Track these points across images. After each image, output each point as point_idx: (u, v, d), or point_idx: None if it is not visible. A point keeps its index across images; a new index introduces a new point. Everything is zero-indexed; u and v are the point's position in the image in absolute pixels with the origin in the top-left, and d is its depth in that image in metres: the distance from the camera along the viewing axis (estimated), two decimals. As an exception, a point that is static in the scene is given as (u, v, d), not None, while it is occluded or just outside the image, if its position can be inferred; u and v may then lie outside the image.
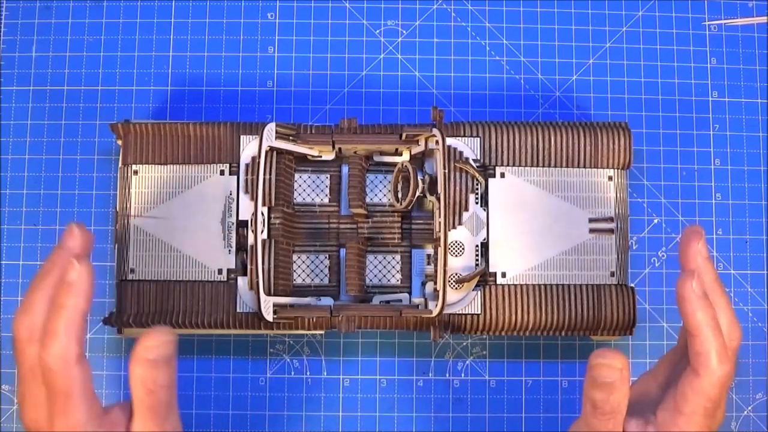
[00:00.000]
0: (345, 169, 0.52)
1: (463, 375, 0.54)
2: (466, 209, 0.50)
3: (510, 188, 0.50)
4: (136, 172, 0.51)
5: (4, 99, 0.56)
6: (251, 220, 0.49)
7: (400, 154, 0.52)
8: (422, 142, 0.50)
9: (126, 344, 0.54)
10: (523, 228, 0.50)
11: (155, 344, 0.38)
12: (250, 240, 0.49)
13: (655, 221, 0.56)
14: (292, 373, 0.54)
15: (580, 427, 0.41)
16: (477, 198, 0.50)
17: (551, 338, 0.54)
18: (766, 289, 0.55)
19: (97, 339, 0.54)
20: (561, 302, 0.50)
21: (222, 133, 0.51)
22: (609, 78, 0.57)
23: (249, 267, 0.48)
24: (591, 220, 0.51)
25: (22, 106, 0.56)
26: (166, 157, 0.51)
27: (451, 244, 0.49)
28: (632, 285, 0.53)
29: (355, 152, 0.51)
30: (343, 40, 0.57)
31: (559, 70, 0.57)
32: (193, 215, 0.50)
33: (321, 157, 0.52)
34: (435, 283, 0.49)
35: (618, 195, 0.51)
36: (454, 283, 0.49)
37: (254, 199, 0.48)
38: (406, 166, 0.50)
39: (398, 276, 0.51)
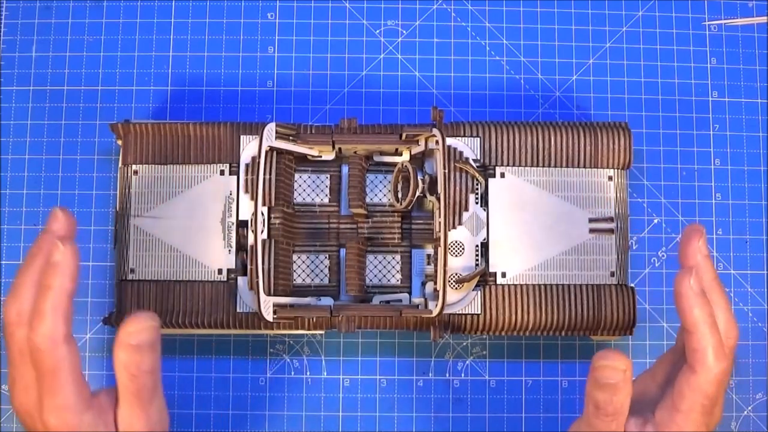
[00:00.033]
0: (345, 169, 0.52)
1: (463, 375, 0.54)
2: (466, 209, 0.50)
3: (510, 188, 0.50)
4: (136, 172, 0.51)
5: (4, 99, 0.56)
6: (251, 220, 0.49)
7: (400, 154, 0.52)
8: (422, 142, 0.50)
9: (126, 344, 0.54)
10: (523, 228, 0.50)
11: (137, 329, 0.38)
12: (250, 240, 0.49)
13: (655, 221, 0.56)
14: (292, 373, 0.54)
15: (580, 427, 0.42)
16: (477, 198, 0.50)
17: (551, 338, 0.54)
18: (766, 289, 0.55)
19: (97, 339, 0.54)
20: (561, 302, 0.50)
21: (222, 133, 0.51)
22: (609, 78, 0.57)
23: (249, 267, 0.48)
24: (591, 220, 0.51)
25: (22, 106, 0.56)
26: (166, 157, 0.51)
27: (451, 244, 0.49)
28: (632, 285, 0.53)
29: (355, 152, 0.51)
30: (343, 40, 0.57)
31: (559, 70, 0.57)
32: (193, 215, 0.50)
33: (321, 157, 0.52)
34: (435, 283, 0.49)
35: (618, 195, 0.51)
36: (454, 283, 0.49)
37: (254, 199, 0.48)
38: (406, 166, 0.50)
39: (398, 276, 0.51)
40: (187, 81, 0.56)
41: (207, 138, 0.51)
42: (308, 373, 0.54)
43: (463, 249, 0.50)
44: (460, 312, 0.49)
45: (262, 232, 0.48)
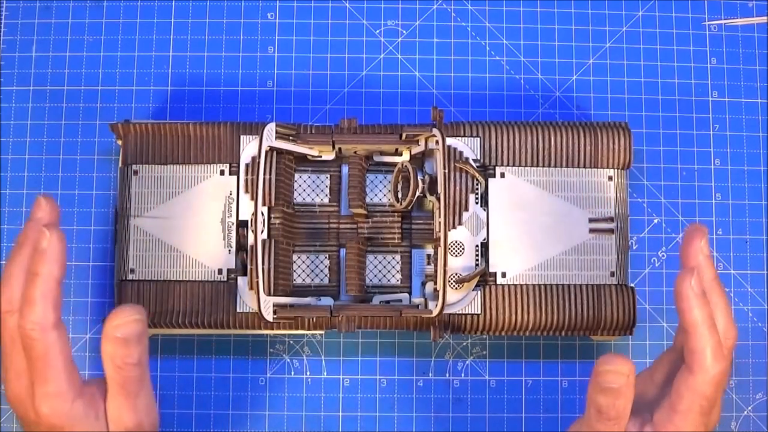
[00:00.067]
0: (345, 169, 0.52)
1: (463, 375, 0.54)
2: (466, 209, 0.50)
3: (510, 188, 0.50)
4: (136, 172, 0.51)
5: (4, 99, 0.56)
6: (251, 220, 0.49)
7: (400, 154, 0.52)
8: (422, 142, 0.50)
9: (126, 344, 0.54)
10: (523, 228, 0.50)
11: (122, 322, 0.39)
12: (250, 240, 0.49)
13: (655, 221, 0.56)
14: (292, 373, 0.54)
15: (581, 427, 0.41)
16: (477, 198, 0.50)
17: (551, 338, 0.54)
18: (766, 289, 0.55)
19: (97, 339, 0.54)
20: (561, 302, 0.50)
21: (222, 133, 0.51)
22: (609, 78, 0.57)
23: (249, 267, 0.48)
24: (591, 220, 0.51)
25: (22, 106, 0.56)
26: (166, 157, 0.51)
27: (451, 244, 0.49)
28: (632, 285, 0.53)
29: (355, 152, 0.51)
30: (343, 40, 0.57)
31: (559, 70, 0.57)
32: (193, 215, 0.50)
33: (321, 157, 0.52)
34: (435, 283, 0.49)
35: (618, 195, 0.51)
36: (454, 283, 0.49)
37: (254, 199, 0.48)
38: (406, 166, 0.50)
39: (398, 276, 0.51)
40: (187, 81, 0.56)
41: (207, 138, 0.51)
42: (308, 373, 0.54)
43: (463, 249, 0.50)
44: (460, 312, 0.49)
45: (262, 232, 0.48)
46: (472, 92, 0.57)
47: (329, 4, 0.57)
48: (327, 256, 0.51)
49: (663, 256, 0.55)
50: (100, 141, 0.55)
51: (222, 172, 0.50)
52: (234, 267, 0.50)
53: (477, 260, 0.50)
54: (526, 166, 0.51)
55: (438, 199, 0.48)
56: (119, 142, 0.52)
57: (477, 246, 0.50)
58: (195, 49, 0.57)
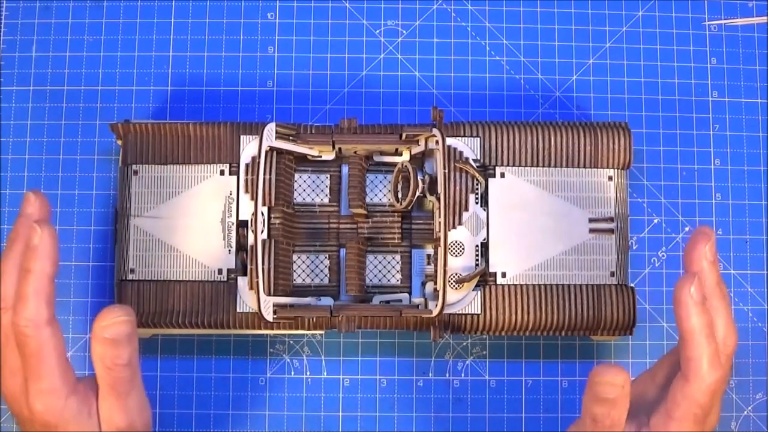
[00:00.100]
0: (345, 169, 0.52)
1: (463, 375, 0.54)
2: (466, 209, 0.50)
3: (510, 188, 0.50)
4: (136, 172, 0.51)
5: (4, 99, 0.56)
6: (251, 220, 0.49)
7: (400, 154, 0.52)
8: (422, 142, 0.50)
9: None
10: (523, 228, 0.50)
11: (110, 323, 0.38)
12: (250, 240, 0.49)
13: (655, 221, 0.56)
14: (292, 373, 0.54)
15: (579, 428, 0.41)
16: (477, 198, 0.50)
17: (551, 338, 0.54)
18: (766, 289, 0.55)
19: (97, 339, 0.54)
20: (561, 302, 0.50)
21: (222, 133, 0.51)
22: (609, 78, 0.57)
23: (249, 267, 0.48)
24: (591, 220, 0.51)
25: (22, 106, 0.56)
26: (166, 157, 0.51)
27: (451, 244, 0.49)
28: (632, 285, 0.53)
29: (355, 152, 0.51)
30: (343, 40, 0.57)
31: (559, 70, 0.57)
32: (193, 215, 0.50)
33: (321, 157, 0.52)
34: (435, 283, 0.49)
35: (618, 195, 0.51)
36: (454, 283, 0.49)
37: (254, 199, 0.48)
38: (406, 166, 0.50)
39: (398, 276, 0.51)
40: (187, 81, 0.56)
41: (207, 138, 0.51)
42: (308, 373, 0.54)
43: (463, 249, 0.50)
44: (460, 312, 0.49)
45: (262, 232, 0.48)
46: (472, 92, 0.57)
47: (329, 4, 0.57)
48: (327, 256, 0.51)
49: (663, 256, 0.55)
50: (100, 141, 0.55)
51: (222, 172, 0.50)
52: (234, 267, 0.50)
53: (477, 260, 0.50)
54: (526, 166, 0.51)
55: (438, 199, 0.48)
56: (119, 142, 0.52)
57: (477, 246, 0.50)
58: (195, 49, 0.57)
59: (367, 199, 0.51)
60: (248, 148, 0.50)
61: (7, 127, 0.55)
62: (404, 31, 0.57)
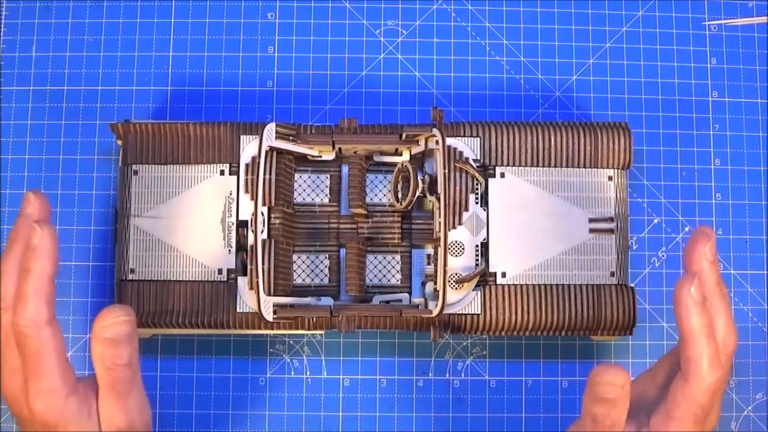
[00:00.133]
0: (345, 169, 0.52)
1: (463, 375, 0.54)
2: (466, 209, 0.50)
3: (510, 188, 0.50)
4: (136, 172, 0.51)
5: (4, 99, 0.56)
6: (251, 220, 0.49)
7: (400, 154, 0.52)
8: (422, 142, 0.50)
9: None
10: (523, 228, 0.50)
11: (110, 323, 0.38)
12: (250, 240, 0.49)
13: (655, 221, 0.56)
14: (292, 373, 0.54)
15: (579, 428, 0.41)
16: (477, 198, 0.50)
17: (551, 338, 0.54)
18: (766, 289, 0.55)
19: (97, 339, 0.54)
20: (561, 302, 0.50)
21: (222, 133, 0.51)
22: (609, 78, 0.57)
23: (249, 267, 0.48)
24: (591, 220, 0.51)
25: (22, 106, 0.56)
26: (166, 157, 0.51)
27: (451, 244, 0.49)
28: (632, 285, 0.53)
29: (355, 152, 0.51)
30: (343, 40, 0.57)
31: (559, 70, 0.57)
32: (193, 215, 0.50)
33: (321, 157, 0.52)
34: (435, 283, 0.49)
35: (618, 195, 0.51)
36: (454, 283, 0.49)
37: (254, 199, 0.48)
38: (406, 166, 0.50)
39: (398, 276, 0.51)
40: (187, 81, 0.56)
41: (207, 138, 0.51)
42: (308, 373, 0.54)
43: (463, 249, 0.50)
44: (460, 312, 0.49)
45: (262, 232, 0.48)
46: (472, 92, 0.57)
47: (329, 4, 0.57)
48: (327, 256, 0.51)
49: (663, 256, 0.55)
50: (100, 141, 0.55)
51: (222, 172, 0.50)
52: (234, 267, 0.50)
53: (477, 260, 0.50)
54: (526, 166, 0.51)
55: (438, 199, 0.48)
56: (119, 142, 0.52)
57: (477, 246, 0.50)
58: (195, 49, 0.57)
59: (367, 199, 0.51)
60: (248, 148, 0.50)
61: (7, 127, 0.55)
62: (404, 31, 0.57)
